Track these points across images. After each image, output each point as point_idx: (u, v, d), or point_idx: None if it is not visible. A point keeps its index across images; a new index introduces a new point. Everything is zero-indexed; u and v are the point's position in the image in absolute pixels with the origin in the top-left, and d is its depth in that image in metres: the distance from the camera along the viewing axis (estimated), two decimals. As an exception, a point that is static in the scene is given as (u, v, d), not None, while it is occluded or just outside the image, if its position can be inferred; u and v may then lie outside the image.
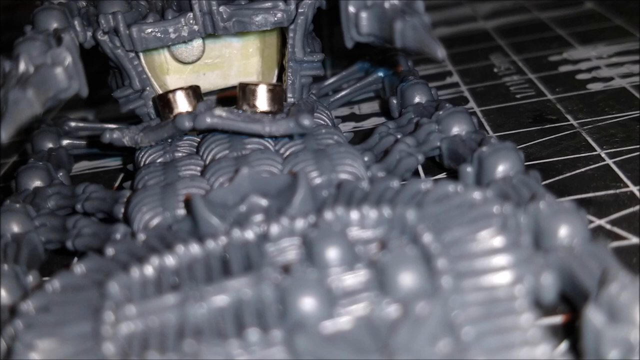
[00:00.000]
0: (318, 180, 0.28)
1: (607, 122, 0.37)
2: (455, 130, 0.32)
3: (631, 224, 0.28)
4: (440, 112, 0.33)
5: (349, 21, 0.29)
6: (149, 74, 0.35)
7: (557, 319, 0.23)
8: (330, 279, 0.21)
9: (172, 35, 0.34)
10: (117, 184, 0.39)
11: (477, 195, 0.23)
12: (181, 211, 0.27)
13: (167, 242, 0.24)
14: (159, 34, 0.34)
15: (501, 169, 0.28)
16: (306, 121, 0.29)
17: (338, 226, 0.23)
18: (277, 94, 0.32)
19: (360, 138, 0.35)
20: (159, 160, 0.32)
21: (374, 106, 0.44)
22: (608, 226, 0.28)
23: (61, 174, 0.36)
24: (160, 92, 0.35)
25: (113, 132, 0.33)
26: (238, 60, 0.38)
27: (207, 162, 0.31)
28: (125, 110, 0.36)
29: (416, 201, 0.24)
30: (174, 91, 0.33)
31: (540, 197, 0.24)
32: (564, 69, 0.46)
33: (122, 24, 0.34)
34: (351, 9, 0.29)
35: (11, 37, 0.30)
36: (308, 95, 0.36)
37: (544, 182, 0.31)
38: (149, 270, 0.23)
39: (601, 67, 0.45)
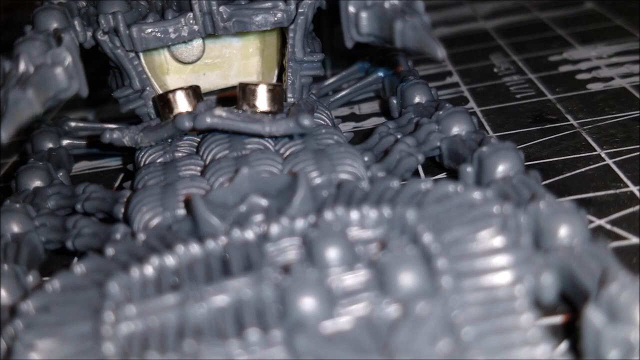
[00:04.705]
0: (318, 180, 0.28)
1: (607, 122, 0.37)
2: (455, 130, 0.32)
3: (631, 224, 0.28)
4: (440, 112, 0.33)
5: (349, 21, 0.29)
6: (149, 74, 0.35)
7: (557, 319, 0.23)
8: (330, 279, 0.21)
9: (172, 35, 0.34)
10: (117, 184, 0.39)
11: (477, 195, 0.23)
12: (181, 211, 0.27)
13: (167, 242, 0.24)
14: (159, 34, 0.34)
15: (501, 169, 0.28)
16: (306, 121, 0.29)
17: (338, 226, 0.23)
18: (277, 94, 0.32)
19: (360, 138, 0.35)
20: (159, 160, 0.32)
21: (374, 106, 0.44)
22: (608, 226, 0.28)
23: (61, 174, 0.36)
24: (160, 92, 0.35)
25: (113, 132, 0.33)
26: (238, 60, 0.38)
27: (207, 162, 0.31)
28: (125, 110, 0.36)
29: (416, 201, 0.24)
30: (174, 91, 0.33)
31: (540, 197, 0.24)
32: (564, 69, 0.46)
33: (122, 24, 0.34)
34: (351, 9, 0.29)
35: (11, 37, 0.30)
36: (308, 95, 0.36)
37: (544, 182, 0.31)
38: (149, 270, 0.23)
39: (601, 67, 0.45)
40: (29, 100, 0.25)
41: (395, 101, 0.38)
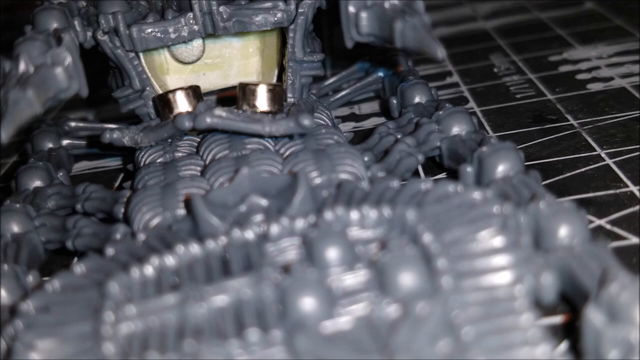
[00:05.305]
0: (318, 180, 0.28)
1: (607, 122, 0.37)
2: (455, 130, 0.32)
3: (631, 224, 0.28)
4: (440, 112, 0.33)
5: (349, 21, 0.29)
6: (149, 74, 0.35)
7: (557, 319, 0.23)
8: (330, 279, 0.21)
9: (172, 35, 0.34)
10: (117, 184, 0.39)
11: (477, 195, 0.23)
12: (181, 211, 0.27)
13: (167, 242, 0.24)
14: (159, 34, 0.34)
15: (501, 169, 0.28)
16: (306, 121, 0.29)
17: (338, 226, 0.23)
18: (277, 94, 0.32)
19: (360, 138, 0.35)
20: (159, 160, 0.32)
21: (374, 106, 0.44)
22: (608, 226, 0.28)
23: (61, 174, 0.36)
24: (160, 92, 0.35)
25: (113, 132, 0.33)
26: (238, 60, 0.38)
27: (207, 162, 0.31)
28: (125, 110, 0.36)
29: (416, 201, 0.24)
30: (174, 91, 0.33)
31: (540, 197, 0.24)
32: (564, 69, 0.46)
33: (122, 24, 0.34)
34: (351, 9, 0.29)
35: (11, 37, 0.30)
36: (308, 95, 0.36)
37: (544, 182, 0.31)
38: (149, 270, 0.23)
39: (601, 67, 0.45)
40: (29, 100, 0.25)
41: (395, 101, 0.38)
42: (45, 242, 0.31)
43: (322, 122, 0.33)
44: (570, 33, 0.53)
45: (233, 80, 0.38)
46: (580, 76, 0.44)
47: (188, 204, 0.26)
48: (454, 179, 0.30)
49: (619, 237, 0.27)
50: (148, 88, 0.35)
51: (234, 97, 0.32)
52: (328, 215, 0.23)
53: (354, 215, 0.23)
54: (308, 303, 0.20)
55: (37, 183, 0.35)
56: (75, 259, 0.31)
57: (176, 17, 0.34)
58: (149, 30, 0.34)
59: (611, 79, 0.42)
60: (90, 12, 0.35)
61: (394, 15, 0.27)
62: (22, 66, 0.27)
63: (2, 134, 0.24)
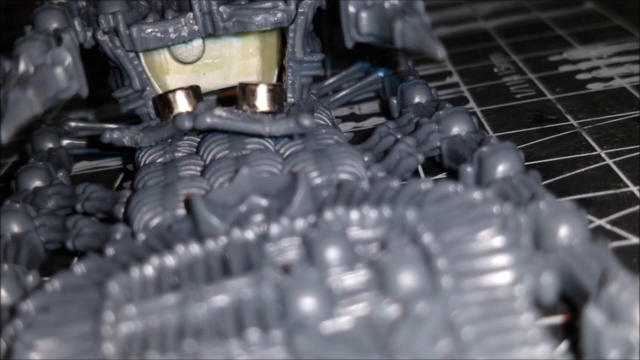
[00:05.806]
0: (318, 180, 0.28)
1: (607, 122, 0.37)
2: (455, 130, 0.32)
3: (631, 224, 0.28)
4: (440, 112, 0.33)
5: (349, 21, 0.29)
6: (149, 74, 0.35)
7: (557, 319, 0.23)
8: (330, 279, 0.21)
9: (172, 35, 0.34)
10: (117, 184, 0.39)
11: (477, 195, 0.23)
12: (181, 211, 0.27)
13: (167, 242, 0.24)
14: (159, 34, 0.34)
15: (501, 169, 0.28)
16: (306, 121, 0.29)
17: (338, 226, 0.23)
18: (277, 94, 0.32)
19: (360, 138, 0.35)
20: (159, 160, 0.32)
21: (374, 106, 0.44)
22: (608, 226, 0.28)
23: (61, 174, 0.36)
24: (160, 92, 0.35)
25: (113, 132, 0.33)
26: (238, 60, 0.38)
27: (207, 162, 0.31)
28: (125, 110, 0.36)
29: (416, 201, 0.24)
30: (174, 91, 0.33)
31: (540, 197, 0.24)
32: (564, 69, 0.46)
33: (122, 24, 0.34)
34: (351, 9, 0.29)
35: (11, 37, 0.30)
36: (308, 95, 0.36)
37: (544, 182, 0.31)
38: (149, 270, 0.23)
39: (601, 67, 0.45)
40: (29, 100, 0.25)
41: (395, 101, 0.38)
42: (45, 242, 0.31)
43: (322, 122, 0.33)
44: (570, 33, 0.53)
45: (233, 80, 0.38)
46: (580, 76, 0.44)
47: (188, 204, 0.26)
48: (454, 179, 0.30)
49: (619, 237, 0.27)
50: (148, 88, 0.35)
51: (234, 97, 0.32)
52: (328, 215, 0.23)
53: (354, 215, 0.23)
54: (308, 303, 0.20)
55: (37, 183, 0.35)
56: (75, 259, 0.31)
57: (176, 17, 0.34)
58: (149, 30, 0.34)
59: (611, 79, 0.42)
60: (90, 12, 0.35)
61: (394, 15, 0.27)
62: (22, 66, 0.27)
63: (2, 134, 0.24)
